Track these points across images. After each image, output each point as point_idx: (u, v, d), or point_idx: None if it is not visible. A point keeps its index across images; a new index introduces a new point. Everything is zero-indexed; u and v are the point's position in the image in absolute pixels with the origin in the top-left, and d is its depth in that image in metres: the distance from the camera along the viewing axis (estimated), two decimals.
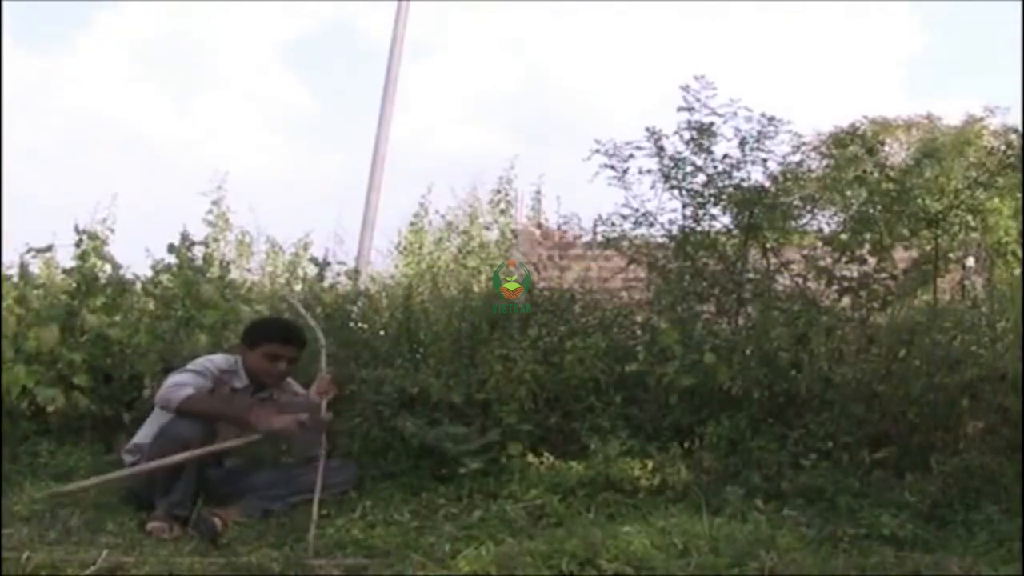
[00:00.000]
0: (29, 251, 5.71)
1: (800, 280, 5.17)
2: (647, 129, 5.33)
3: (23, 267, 5.73)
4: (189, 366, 4.22)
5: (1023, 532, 3.48)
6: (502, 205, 13.81)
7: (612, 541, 3.14)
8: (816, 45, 29.82)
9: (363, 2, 28.71)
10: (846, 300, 4.97)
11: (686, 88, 5.23)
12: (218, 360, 4.28)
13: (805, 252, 5.28)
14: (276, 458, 4.47)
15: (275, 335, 4.38)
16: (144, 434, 4.19)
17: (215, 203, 11.25)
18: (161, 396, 4.07)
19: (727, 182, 5.23)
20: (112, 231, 8.12)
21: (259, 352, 4.29)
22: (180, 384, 4.05)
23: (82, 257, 5.73)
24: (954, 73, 27.31)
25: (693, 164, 5.25)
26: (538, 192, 13.47)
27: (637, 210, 5.41)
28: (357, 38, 29.96)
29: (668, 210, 5.40)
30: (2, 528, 3.64)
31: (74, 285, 5.67)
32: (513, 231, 12.80)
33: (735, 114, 5.22)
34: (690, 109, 5.23)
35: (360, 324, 5.74)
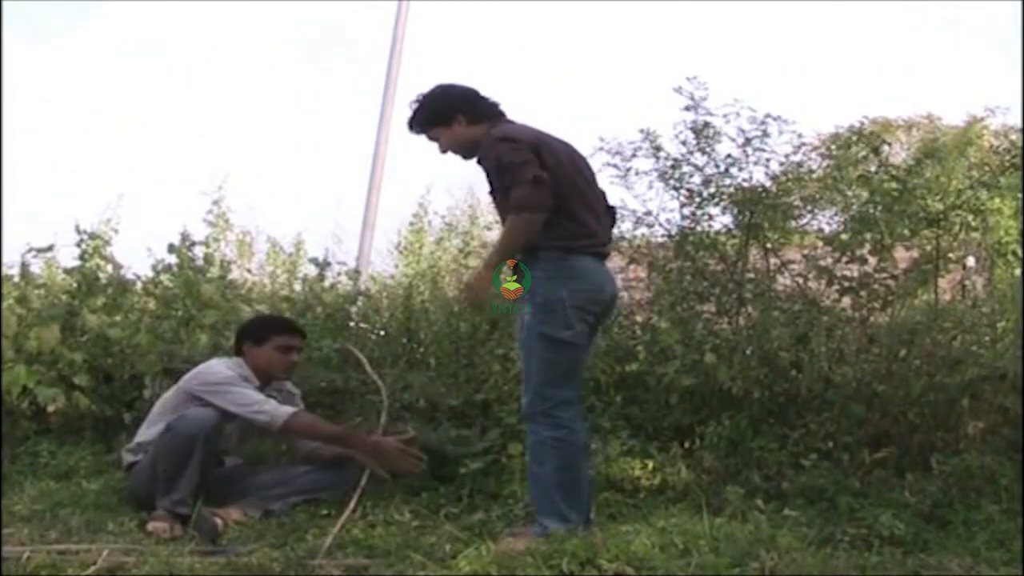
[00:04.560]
0: (30, 251, 5.71)
1: (800, 280, 5.17)
2: (641, 130, 5.34)
3: (24, 267, 5.74)
4: (240, 377, 4.14)
5: (1023, 532, 3.48)
6: None
7: (612, 541, 3.14)
8: (816, 45, 29.84)
9: (363, 2, 28.73)
10: (846, 300, 4.97)
11: (679, 89, 5.24)
12: (233, 365, 4.23)
13: (805, 252, 5.28)
14: (276, 458, 4.47)
15: (283, 327, 4.43)
16: (146, 432, 4.19)
17: (215, 203, 11.21)
18: (260, 415, 3.99)
19: (727, 182, 5.23)
20: (116, 231, 8.09)
21: (270, 346, 4.28)
22: (259, 400, 4.02)
23: (83, 257, 5.73)
24: (954, 73, 27.32)
25: (691, 164, 5.25)
26: None
27: (646, 211, 5.41)
28: (357, 38, 29.98)
29: (668, 210, 5.41)
30: (2, 528, 3.64)
31: (75, 285, 5.68)
32: None
33: (738, 114, 5.22)
34: (686, 109, 5.23)
35: (360, 324, 5.75)
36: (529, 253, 3.46)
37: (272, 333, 4.33)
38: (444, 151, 3.73)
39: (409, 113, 3.76)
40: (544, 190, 3.35)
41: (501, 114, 3.70)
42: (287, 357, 4.30)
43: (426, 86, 3.75)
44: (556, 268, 3.42)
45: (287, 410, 4.04)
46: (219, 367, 4.20)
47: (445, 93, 3.73)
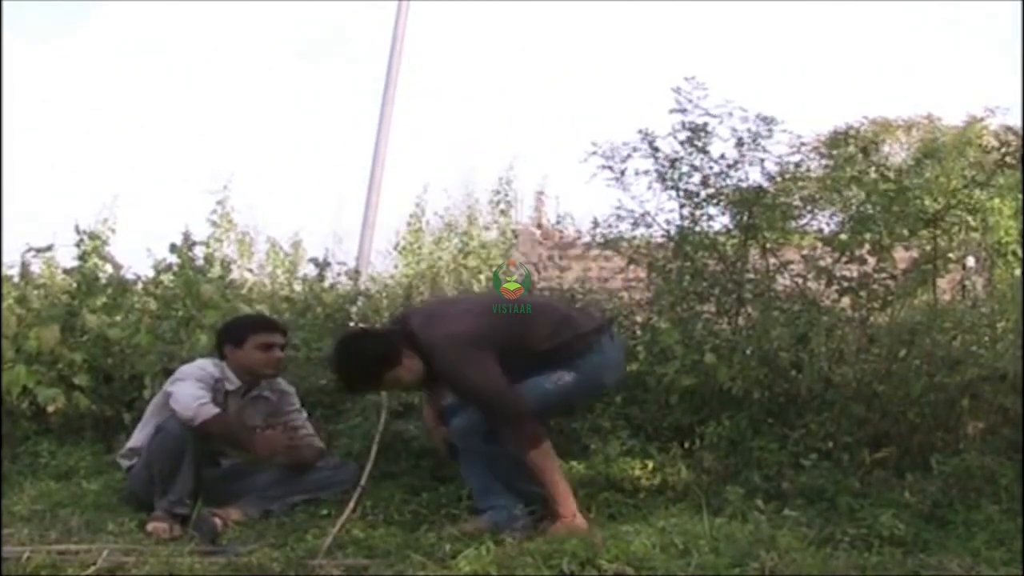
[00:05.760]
0: (29, 251, 5.71)
1: (800, 280, 5.16)
2: (640, 131, 5.32)
3: (24, 267, 5.74)
4: (194, 376, 4.10)
5: (1023, 532, 3.48)
6: (502, 206, 13.80)
7: (612, 541, 3.14)
8: (816, 45, 29.85)
9: (363, 1, 28.73)
10: (846, 300, 4.96)
11: (677, 90, 5.23)
12: (208, 367, 4.19)
13: (805, 252, 5.27)
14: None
15: (261, 326, 4.37)
16: (138, 436, 4.19)
17: (219, 203, 11.22)
18: (185, 410, 3.94)
19: (725, 182, 5.23)
20: (113, 231, 8.11)
21: (250, 346, 4.22)
22: (201, 398, 3.98)
23: (83, 257, 5.73)
24: (954, 73, 27.33)
25: (689, 164, 5.24)
26: (541, 193, 13.44)
27: (641, 212, 5.40)
28: (357, 38, 29.99)
29: (666, 210, 5.40)
30: (2, 528, 3.64)
31: (75, 285, 5.68)
32: (513, 231, 12.82)
33: (731, 114, 5.21)
34: (683, 110, 5.22)
35: (360, 324, 5.75)
36: (570, 350, 3.73)
37: (250, 333, 4.27)
38: (410, 389, 3.98)
39: (348, 383, 3.87)
40: (513, 402, 3.60)
41: (409, 331, 3.76)
42: (270, 355, 4.24)
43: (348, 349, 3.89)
44: (601, 354, 3.79)
45: (209, 411, 3.95)
46: (190, 367, 4.19)
47: (375, 340, 3.84)
